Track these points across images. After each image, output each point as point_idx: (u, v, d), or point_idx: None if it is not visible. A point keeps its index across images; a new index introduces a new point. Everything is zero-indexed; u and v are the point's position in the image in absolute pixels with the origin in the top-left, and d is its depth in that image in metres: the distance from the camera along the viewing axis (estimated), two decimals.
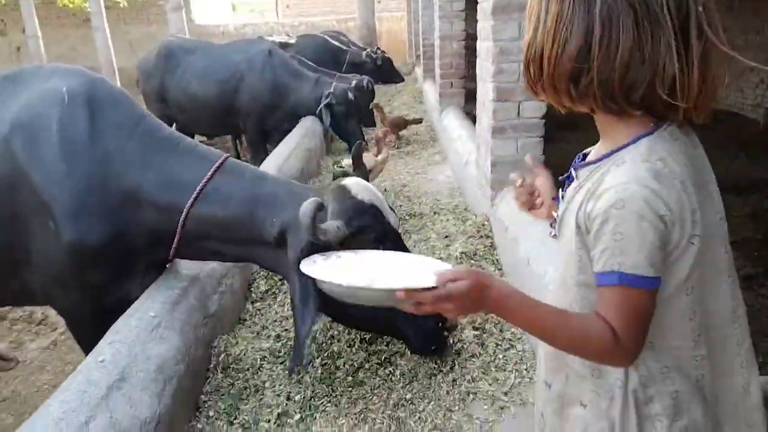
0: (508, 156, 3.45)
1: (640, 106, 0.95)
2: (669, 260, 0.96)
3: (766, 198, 5.39)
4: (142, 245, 2.35)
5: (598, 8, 0.91)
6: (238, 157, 6.65)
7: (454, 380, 2.39)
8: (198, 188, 2.25)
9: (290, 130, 5.95)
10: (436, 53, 7.00)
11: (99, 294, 2.36)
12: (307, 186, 2.42)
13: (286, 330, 2.76)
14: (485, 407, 2.25)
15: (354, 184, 2.23)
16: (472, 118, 6.36)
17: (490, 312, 1.09)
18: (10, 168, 2.22)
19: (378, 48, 11.38)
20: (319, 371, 2.47)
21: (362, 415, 2.21)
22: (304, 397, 2.32)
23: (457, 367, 2.47)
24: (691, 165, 0.97)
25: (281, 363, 2.52)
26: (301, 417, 2.23)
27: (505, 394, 2.30)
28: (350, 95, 6.24)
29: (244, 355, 2.54)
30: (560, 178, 1.17)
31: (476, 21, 3.68)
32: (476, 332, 2.64)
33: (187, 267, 2.63)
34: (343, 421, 2.19)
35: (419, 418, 2.20)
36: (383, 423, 2.17)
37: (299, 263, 1.83)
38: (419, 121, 7.29)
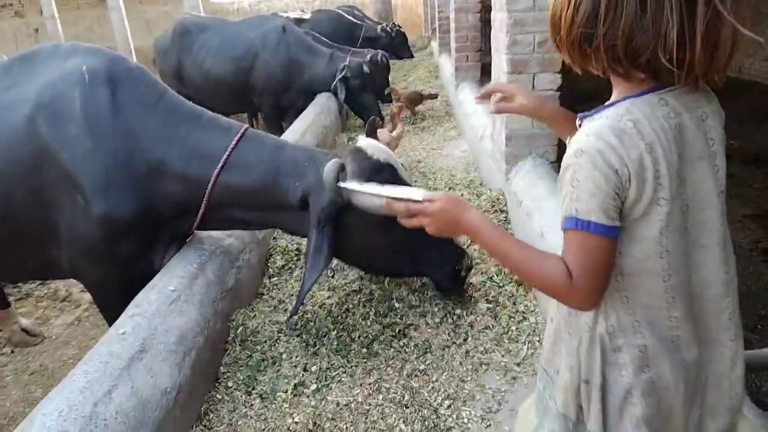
0: (523, 129, 3.42)
1: (645, 70, 1.00)
2: (632, 216, 1.02)
3: None
4: (168, 217, 2.43)
5: None
6: None
7: (467, 352, 2.43)
8: (224, 158, 2.33)
9: (305, 107, 5.95)
10: (452, 26, 6.92)
11: (126, 265, 2.44)
12: (324, 151, 2.51)
13: (302, 304, 2.81)
14: (497, 377, 2.28)
15: (369, 145, 2.33)
16: None
17: (464, 234, 1.25)
18: (35, 146, 2.28)
19: (393, 22, 11.27)
20: (335, 343, 2.52)
21: (377, 385, 2.26)
22: (320, 368, 2.37)
23: (470, 339, 2.50)
24: (674, 135, 1.01)
25: (298, 335, 2.58)
26: (317, 387, 2.28)
27: (518, 365, 2.32)
28: (365, 69, 6.20)
29: (262, 328, 2.59)
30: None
31: None
32: (489, 305, 2.67)
33: (205, 242, 2.68)
34: (358, 390, 2.24)
35: (432, 387, 2.24)
36: (397, 392, 2.22)
37: (319, 222, 2.05)
38: (435, 96, 7.23)
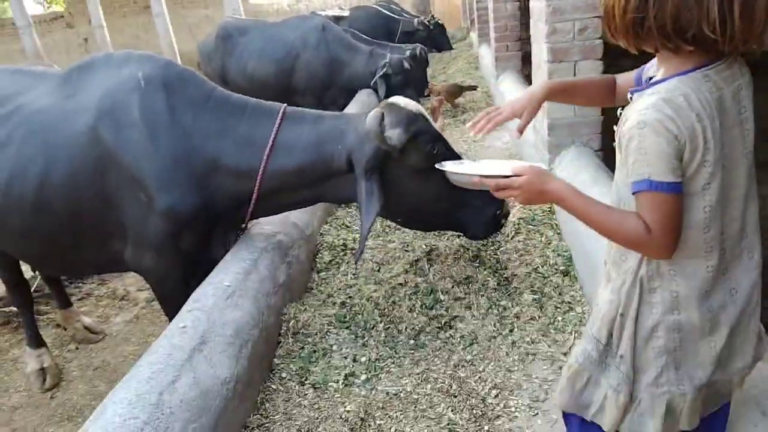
0: (565, 118, 3.41)
1: (693, 43, 1.13)
2: (686, 176, 1.17)
3: None
4: (225, 209, 2.57)
5: None
6: None
7: (513, 342, 2.46)
8: (269, 145, 2.46)
9: (347, 105, 6.04)
10: (491, 16, 6.88)
11: (187, 257, 2.59)
12: (357, 113, 2.62)
13: (350, 297, 2.89)
14: (544, 367, 2.31)
15: (400, 99, 2.52)
16: (529, 81, 6.25)
17: (551, 201, 1.40)
18: (99, 152, 2.45)
19: (431, 15, 11.25)
20: (383, 335, 2.59)
21: (424, 375, 2.32)
22: (369, 359, 2.44)
23: (516, 329, 2.53)
24: (718, 103, 1.15)
25: (347, 328, 2.66)
26: (367, 377, 2.36)
27: (565, 354, 2.34)
28: (406, 65, 6.24)
29: (312, 321, 2.68)
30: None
31: None
32: (535, 296, 2.69)
33: (256, 239, 2.79)
34: (407, 380, 2.31)
35: (480, 377, 2.29)
36: (445, 382, 2.27)
37: (367, 171, 2.33)
38: (474, 87, 7.21)
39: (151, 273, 2.72)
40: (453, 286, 2.81)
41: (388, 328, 2.63)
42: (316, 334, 2.62)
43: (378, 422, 2.13)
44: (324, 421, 2.14)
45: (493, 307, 2.68)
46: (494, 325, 2.57)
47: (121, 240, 2.62)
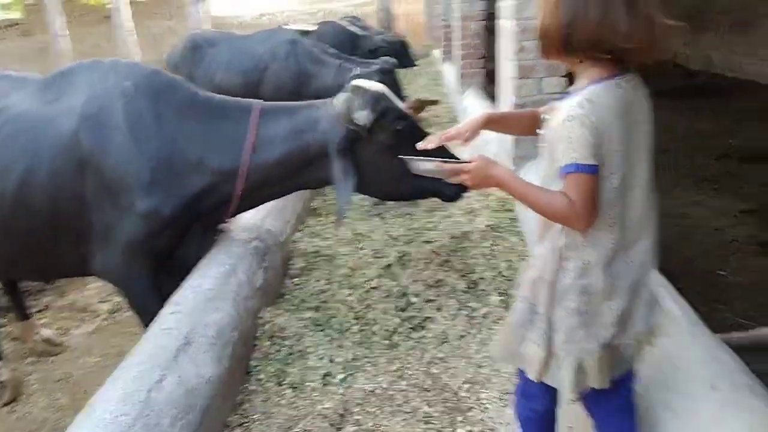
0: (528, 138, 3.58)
1: (609, 53, 1.39)
2: (600, 160, 1.39)
3: None
4: (207, 208, 2.65)
5: None
6: None
7: (482, 340, 2.59)
8: (250, 143, 2.57)
9: None
10: (456, 34, 7.11)
11: (159, 257, 2.65)
12: (326, 99, 2.76)
13: (324, 302, 2.98)
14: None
15: (364, 82, 2.66)
16: (492, 97, 6.48)
17: (495, 185, 1.59)
18: (81, 154, 2.49)
19: (396, 32, 11.47)
20: (358, 336, 2.68)
21: (399, 373, 2.43)
22: (345, 359, 2.54)
23: (484, 329, 2.67)
24: (624, 107, 1.40)
25: (322, 330, 2.74)
26: (344, 377, 2.45)
27: None
28: (375, 78, 6.37)
29: (288, 324, 2.76)
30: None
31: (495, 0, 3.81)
32: (501, 297, 2.84)
33: (233, 245, 2.86)
34: (383, 378, 2.41)
35: (452, 373, 2.41)
36: (419, 378, 2.38)
37: (340, 151, 2.49)
38: (435, 102, 7.41)
39: (122, 275, 2.73)
40: (424, 289, 2.93)
41: (363, 329, 2.73)
42: (292, 336, 2.70)
43: (356, 417, 2.22)
44: (303, 419, 2.22)
45: (463, 308, 2.81)
46: (464, 325, 2.70)
47: (93, 242, 2.65)
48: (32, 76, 2.85)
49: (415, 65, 11.16)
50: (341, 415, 2.22)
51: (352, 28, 10.40)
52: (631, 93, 1.43)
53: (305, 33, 9.29)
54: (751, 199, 4.74)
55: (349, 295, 2.97)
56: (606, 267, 1.46)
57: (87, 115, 2.49)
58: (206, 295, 2.40)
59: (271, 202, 3.48)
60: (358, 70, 6.38)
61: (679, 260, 2.19)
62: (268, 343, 2.65)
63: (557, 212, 1.43)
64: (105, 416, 1.70)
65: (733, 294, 3.45)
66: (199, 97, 2.68)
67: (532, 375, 1.59)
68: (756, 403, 1.52)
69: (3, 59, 16.03)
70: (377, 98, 2.56)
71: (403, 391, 2.33)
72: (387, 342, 2.64)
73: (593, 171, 1.38)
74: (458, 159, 1.71)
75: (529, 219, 3.28)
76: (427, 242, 3.38)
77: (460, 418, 2.18)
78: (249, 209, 2.89)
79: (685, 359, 1.77)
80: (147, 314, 2.50)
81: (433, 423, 2.17)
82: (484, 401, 2.25)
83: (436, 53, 12.15)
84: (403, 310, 2.82)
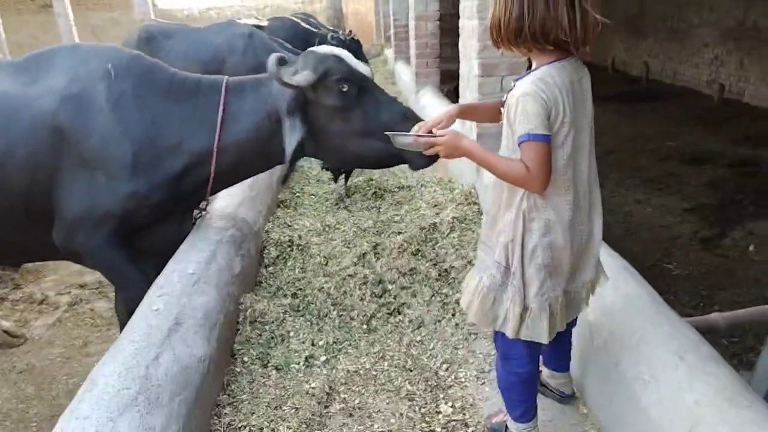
0: (493, 127, 3.74)
1: (553, 44, 1.60)
2: (553, 131, 1.62)
3: (720, 167, 5.86)
4: (187, 187, 2.66)
5: None
6: None
7: (457, 324, 2.73)
8: (219, 120, 2.58)
9: None
10: (411, 34, 7.26)
11: (132, 234, 2.66)
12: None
13: (300, 289, 3.04)
14: (486, 344, 2.59)
15: (320, 48, 2.72)
16: (448, 96, 6.67)
17: (464, 155, 1.77)
18: (58, 134, 2.46)
19: (349, 30, 11.53)
20: (337, 321, 2.77)
21: (381, 354, 2.53)
22: (326, 342, 2.62)
23: (458, 313, 2.80)
24: (571, 85, 1.63)
25: (302, 316, 2.81)
26: (327, 358, 2.53)
27: None
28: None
29: (268, 310, 2.80)
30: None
31: (449, 1, 3.95)
32: None
33: (210, 232, 2.88)
34: (365, 359, 2.50)
35: (430, 354, 2.53)
36: (400, 359, 2.49)
37: (288, 110, 2.53)
38: None
39: (93, 252, 2.67)
40: (399, 277, 3.04)
41: (341, 315, 2.81)
42: (272, 322, 2.75)
43: (343, 396, 2.31)
44: (291, 398, 2.29)
45: (436, 294, 2.94)
46: (438, 310, 2.83)
47: (63, 222, 2.60)
48: (2, 60, 2.79)
49: (367, 64, 11.29)
50: (328, 394, 2.30)
51: (305, 25, 10.42)
52: (575, 73, 1.66)
53: (258, 27, 9.26)
54: (692, 198, 5.11)
55: (326, 282, 3.04)
56: (565, 225, 1.70)
57: (69, 96, 2.46)
58: (191, 279, 2.42)
59: (243, 192, 3.54)
60: None
61: (627, 255, 2.39)
62: (249, 327, 2.69)
63: (517, 176, 1.63)
64: (108, 389, 1.72)
65: (679, 285, 3.74)
66: (177, 77, 2.69)
67: (509, 332, 1.78)
68: (721, 370, 1.71)
69: None
70: (321, 59, 2.57)
71: (385, 371, 2.44)
72: (366, 327, 2.74)
73: (545, 140, 1.59)
74: (433, 134, 1.89)
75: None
76: (398, 233, 3.49)
77: (441, 395, 2.30)
78: (227, 186, 2.91)
79: (652, 334, 1.95)
80: (124, 282, 2.63)
81: (416, 400, 2.28)
82: (463, 380, 2.38)
83: (388, 53, 12.30)
84: (379, 296, 2.92)
